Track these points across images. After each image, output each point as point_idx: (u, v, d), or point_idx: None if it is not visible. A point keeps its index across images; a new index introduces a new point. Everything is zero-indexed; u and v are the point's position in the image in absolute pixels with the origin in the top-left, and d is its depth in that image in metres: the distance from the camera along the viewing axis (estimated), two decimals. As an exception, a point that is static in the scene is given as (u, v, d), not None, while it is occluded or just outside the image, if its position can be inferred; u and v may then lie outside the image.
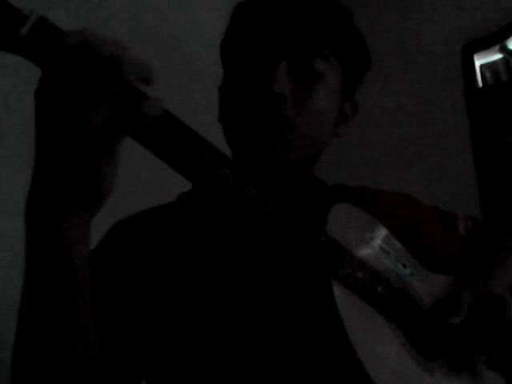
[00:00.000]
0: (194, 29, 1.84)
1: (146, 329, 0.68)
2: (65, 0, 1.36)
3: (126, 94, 0.48)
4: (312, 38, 0.72)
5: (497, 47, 2.02)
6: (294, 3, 0.74)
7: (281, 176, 0.73)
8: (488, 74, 2.05)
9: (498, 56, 2.04)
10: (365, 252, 0.71)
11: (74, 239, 0.51)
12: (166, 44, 1.74)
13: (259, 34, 0.73)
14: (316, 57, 0.72)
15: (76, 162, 0.48)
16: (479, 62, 2.06)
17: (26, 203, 0.51)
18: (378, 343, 0.65)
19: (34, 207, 0.50)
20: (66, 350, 0.54)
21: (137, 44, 1.76)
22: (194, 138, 0.56)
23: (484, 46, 2.04)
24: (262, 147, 0.70)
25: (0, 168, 1.23)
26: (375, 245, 0.74)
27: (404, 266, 0.76)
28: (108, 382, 0.63)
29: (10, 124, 1.25)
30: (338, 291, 0.64)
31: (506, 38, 2.00)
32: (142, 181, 1.42)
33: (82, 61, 0.46)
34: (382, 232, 0.76)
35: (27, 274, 0.53)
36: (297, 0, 0.75)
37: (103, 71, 0.47)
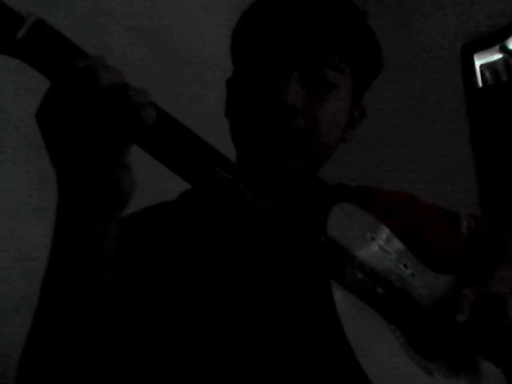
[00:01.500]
0: (194, 29, 1.83)
1: (144, 325, 0.68)
2: None
3: (126, 115, 0.48)
4: (327, 47, 0.71)
5: (497, 47, 2.02)
6: (310, 9, 0.73)
7: (285, 179, 0.73)
8: (488, 74, 2.05)
9: (497, 56, 2.04)
10: (365, 252, 0.71)
11: (106, 235, 0.54)
12: (165, 44, 1.73)
13: (273, 39, 0.72)
14: (329, 67, 0.71)
15: (88, 176, 0.49)
16: (479, 62, 2.06)
17: (57, 206, 0.53)
18: (376, 344, 0.65)
19: (68, 211, 0.53)
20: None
21: (137, 44, 1.77)
22: (193, 139, 0.56)
23: (484, 45, 2.04)
24: (270, 155, 0.70)
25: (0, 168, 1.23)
26: (376, 245, 0.74)
27: (405, 266, 0.76)
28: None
29: (10, 124, 1.25)
30: (337, 292, 0.63)
31: (506, 37, 2.00)
32: (142, 179, 1.42)
33: (89, 86, 0.47)
34: (384, 232, 0.76)
35: (56, 262, 0.55)
36: (312, 5, 0.74)
37: (107, 98, 0.47)
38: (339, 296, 0.63)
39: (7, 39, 0.46)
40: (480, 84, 2.04)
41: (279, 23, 0.73)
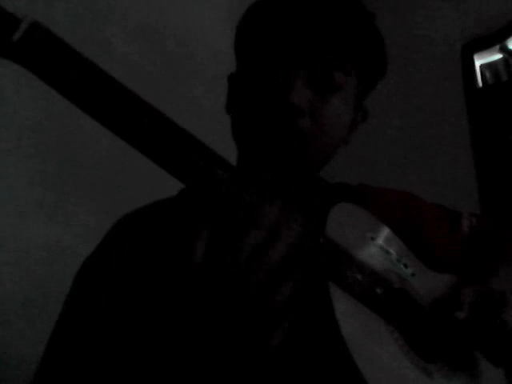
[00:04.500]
0: (195, 28, 1.83)
1: (140, 324, 0.67)
2: (65, -1, 1.36)
3: None
4: (335, 48, 0.71)
5: (497, 47, 2.02)
6: (318, 8, 0.72)
7: (285, 179, 0.73)
8: (488, 74, 2.05)
9: (497, 56, 2.04)
10: (365, 253, 0.71)
11: None
12: (165, 43, 1.74)
13: (280, 37, 0.71)
14: (336, 68, 0.71)
15: None
16: (479, 62, 2.06)
17: None
18: (374, 346, 0.64)
19: None
20: None
21: (137, 44, 1.77)
22: (189, 140, 0.55)
23: (484, 45, 2.04)
24: (272, 156, 0.70)
25: (0, 167, 1.23)
26: (376, 245, 0.74)
27: (405, 265, 0.75)
28: None
29: (10, 122, 1.25)
30: (335, 294, 0.63)
31: (506, 38, 2.00)
32: (142, 177, 1.42)
33: None
34: (384, 231, 0.76)
35: None
36: (321, 5, 0.72)
37: None
38: (337, 298, 0.63)
39: (3, 42, 0.46)
40: (480, 84, 2.05)
41: (286, 20, 0.72)
